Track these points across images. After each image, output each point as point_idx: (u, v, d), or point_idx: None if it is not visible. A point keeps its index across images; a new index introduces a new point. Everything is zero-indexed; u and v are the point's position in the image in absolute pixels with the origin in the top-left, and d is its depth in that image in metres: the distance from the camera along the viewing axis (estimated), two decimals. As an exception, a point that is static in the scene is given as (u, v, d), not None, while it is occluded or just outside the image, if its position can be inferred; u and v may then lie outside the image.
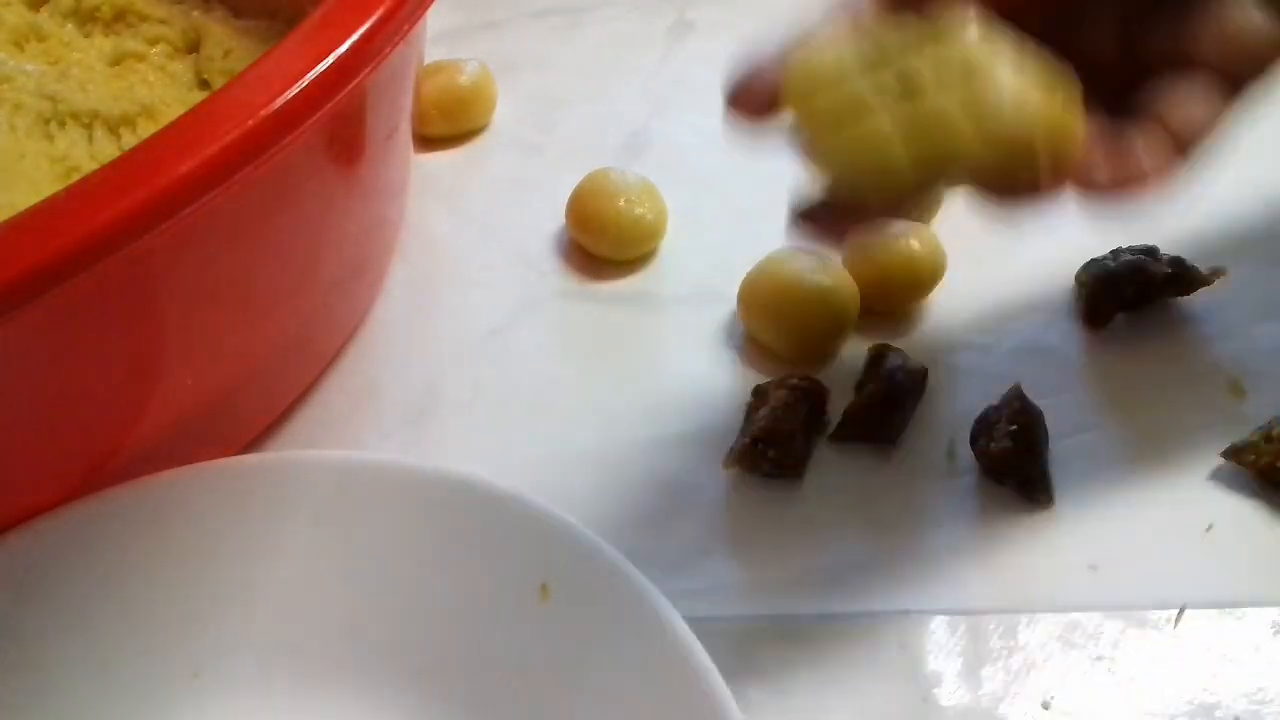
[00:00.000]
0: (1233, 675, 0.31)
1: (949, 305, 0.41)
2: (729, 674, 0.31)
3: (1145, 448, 0.37)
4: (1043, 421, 0.36)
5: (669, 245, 0.44)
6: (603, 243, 0.43)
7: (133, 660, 0.31)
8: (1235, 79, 0.26)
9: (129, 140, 0.39)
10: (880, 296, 0.40)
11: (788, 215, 0.29)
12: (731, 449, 0.37)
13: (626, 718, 0.29)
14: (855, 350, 0.40)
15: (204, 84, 0.42)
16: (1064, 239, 0.43)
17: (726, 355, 0.40)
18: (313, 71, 0.28)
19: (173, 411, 0.33)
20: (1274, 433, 0.35)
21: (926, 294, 0.41)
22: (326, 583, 0.32)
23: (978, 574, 0.34)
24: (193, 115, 0.28)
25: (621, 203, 0.43)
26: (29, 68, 0.40)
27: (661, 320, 0.42)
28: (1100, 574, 0.34)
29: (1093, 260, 0.41)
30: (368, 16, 0.29)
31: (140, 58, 0.42)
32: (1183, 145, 0.25)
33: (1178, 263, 0.40)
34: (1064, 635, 0.32)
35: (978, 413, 0.36)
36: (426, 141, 0.48)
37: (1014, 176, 0.24)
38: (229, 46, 0.42)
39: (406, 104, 0.39)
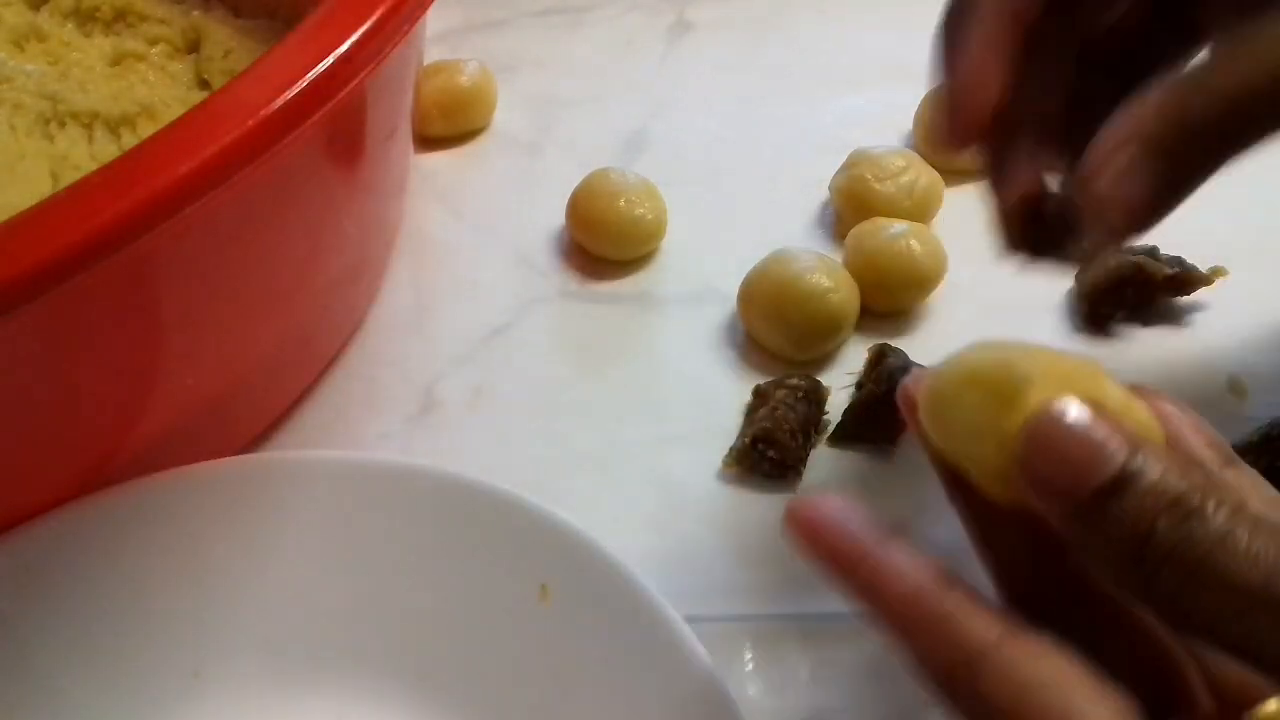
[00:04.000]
0: (1233, 675, 0.31)
1: (949, 305, 0.41)
2: (729, 674, 0.31)
3: (1145, 448, 0.37)
4: (1043, 421, 0.36)
5: (669, 245, 0.44)
6: (603, 243, 0.43)
7: (133, 660, 0.31)
8: None
9: (129, 140, 0.39)
10: (880, 296, 0.40)
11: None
12: (731, 449, 0.37)
13: (626, 718, 0.29)
14: (855, 350, 0.40)
15: (204, 84, 0.42)
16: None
17: (726, 355, 0.40)
18: (313, 71, 0.28)
19: (173, 411, 0.33)
20: (1274, 433, 0.35)
21: (926, 294, 0.41)
22: (326, 583, 0.32)
23: (978, 574, 0.34)
24: (193, 115, 0.28)
25: (621, 203, 0.43)
26: (29, 68, 0.40)
27: (661, 320, 0.42)
28: (1100, 574, 0.34)
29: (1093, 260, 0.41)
30: (368, 16, 0.29)
31: (140, 58, 0.42)
32: None
33: (1178, 263, 0.40)
34: (1064, 635, 0.32)
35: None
36: (426, 141, 0.48)
37: None
38: (229, 46, 0.42)
39: (406, 104, 0.39)
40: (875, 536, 0.23)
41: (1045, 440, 0.21)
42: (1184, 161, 0.25)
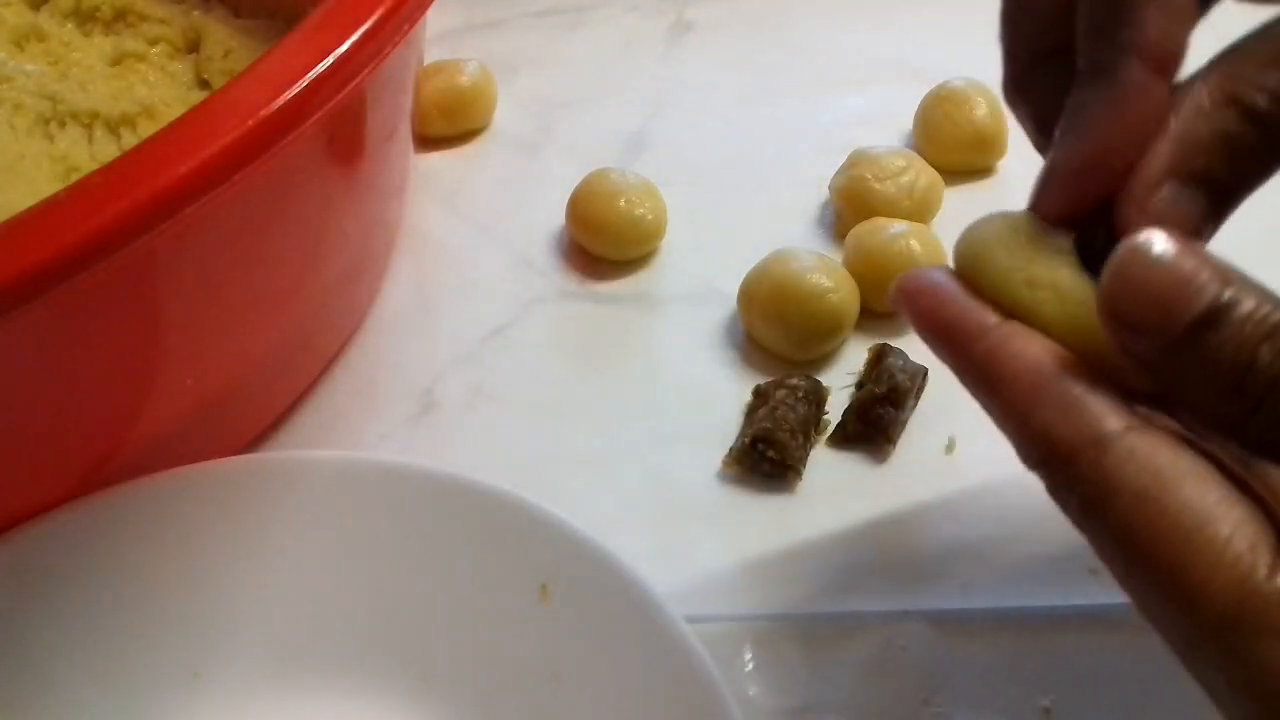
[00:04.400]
0: (1233, 675, 0.31)
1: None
2: (729, 674, 0.31)
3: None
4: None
5: (669, 245, 0.44)
6: (603, 243, 0.43)
7: (133, 660, 0.31)
8: None
9: (129, 140, 0.39)
10: (880, 296, 0.40)
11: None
12: (731, 449, 0.37)
13: (626, 718, 0.29)
14: (855, 350, 0.40)
15: (204, 84, 0.42)
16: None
17: (726, 355, 0.40)
18: (313, 71, 0.28)
19: (173, 411, 0.33)
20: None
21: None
22: (326, 583, 0.32)
23: (978, 574, 0.34)
24: (193, 115, 0.28)
25: (621, 203, 0.43)
26: (29, 68, 0.40)
27: (661, 320, 0.42)
28: (1102, 575, 0.33)
29: (1093, 260, 0.41)
30: (368, 16, 0.29)
31: (140, 58, 0.42)
32: None
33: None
34: (1065, 636, 0.32)
35: (978, 412, 0.36)
36: (426, 141, 0.48)
37: None
38: (229, 46, 0.42)
39: (406, 104, 0.39)
40: (993, 315, 0.22)
41: (1131, 276, 0.20)
42: (1224, 185, 0.23)
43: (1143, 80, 0.23)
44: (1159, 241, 0.20)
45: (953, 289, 0.23)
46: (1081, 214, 0.24)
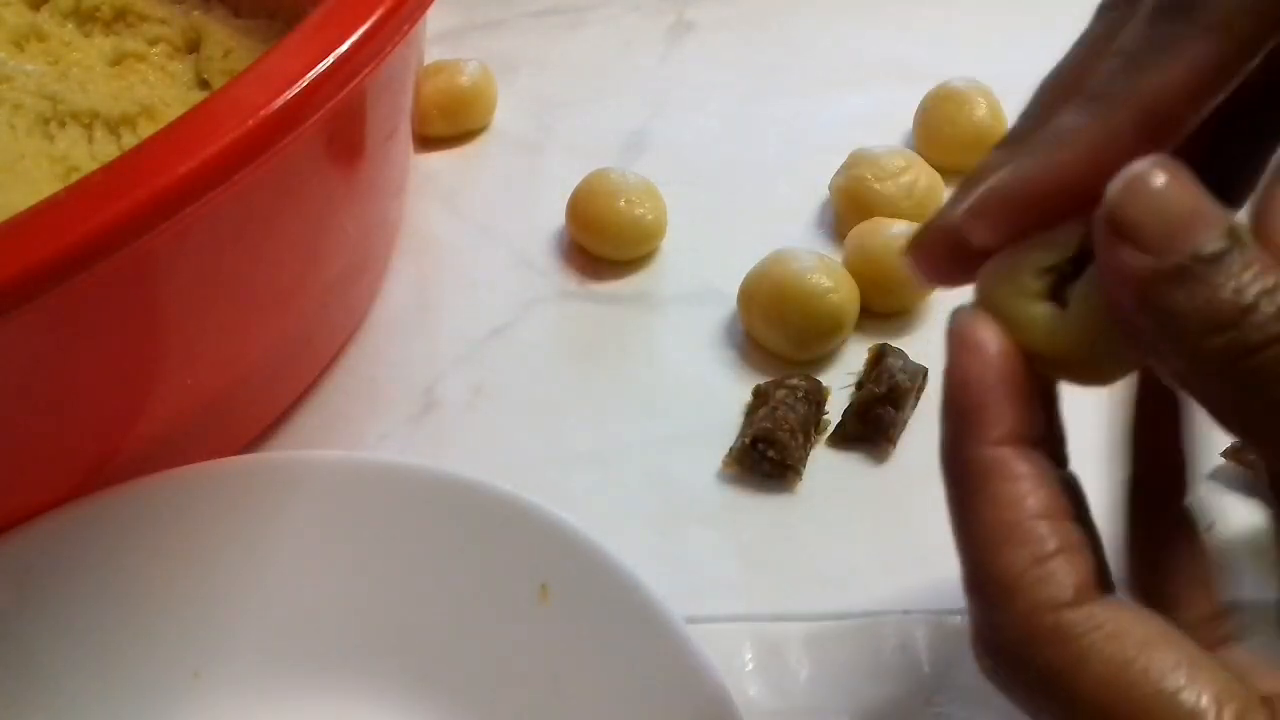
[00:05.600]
0: (1233, 675, 0.31)
1: (949, 305, 0.41)
2: (729, 674, 0.31)
3: (1145, 448, 0.37)
4: (1043, 421, 0.36)
5: (669, 245, 0.44)
6: (603, 243, 0.43)
7: (133, 660, 0.31)
8: None
9: (129, 140, 0.39)
10: (880, 296, 0.40)
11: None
12: (731, 449, 0.37)
13: (626, 718, 0.29)
14: (855, 350, 0.40)
15: (204, 84, 0.42)
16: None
17: (726, 355, 0.40)
18: (313, 71, 0.28)
19: (173, 411, 0.33)
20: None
21: (927, 294, 0.41)
22: (326, 583, 0.32)
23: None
24: (193, 115, 0.28)
25: (621, 203, 0.43)
26: (29, 68, 0.40)
27: (661, 320, 0.42)
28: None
29: (1093, 260, 0.41)
30: (368, 16, 0.29)
31: (140, 58, 0.42)
32: None
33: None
34: (1064, 635, 0.32)
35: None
36: (426, 141, 0.48)
37: None
38: (229, 46, 0.42)
39: (406, 104, 0.39)
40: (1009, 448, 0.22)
41: (1147, 191, 0.18)
42: None
43: (1124, 126, 0.20)
44: (1178, 169, 0.18)
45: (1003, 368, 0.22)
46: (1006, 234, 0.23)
